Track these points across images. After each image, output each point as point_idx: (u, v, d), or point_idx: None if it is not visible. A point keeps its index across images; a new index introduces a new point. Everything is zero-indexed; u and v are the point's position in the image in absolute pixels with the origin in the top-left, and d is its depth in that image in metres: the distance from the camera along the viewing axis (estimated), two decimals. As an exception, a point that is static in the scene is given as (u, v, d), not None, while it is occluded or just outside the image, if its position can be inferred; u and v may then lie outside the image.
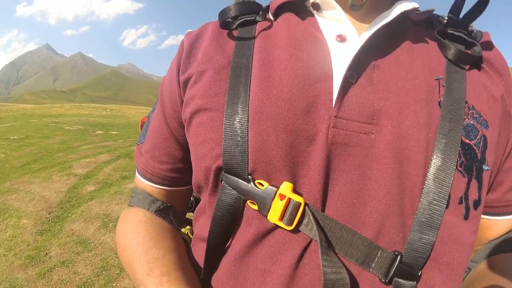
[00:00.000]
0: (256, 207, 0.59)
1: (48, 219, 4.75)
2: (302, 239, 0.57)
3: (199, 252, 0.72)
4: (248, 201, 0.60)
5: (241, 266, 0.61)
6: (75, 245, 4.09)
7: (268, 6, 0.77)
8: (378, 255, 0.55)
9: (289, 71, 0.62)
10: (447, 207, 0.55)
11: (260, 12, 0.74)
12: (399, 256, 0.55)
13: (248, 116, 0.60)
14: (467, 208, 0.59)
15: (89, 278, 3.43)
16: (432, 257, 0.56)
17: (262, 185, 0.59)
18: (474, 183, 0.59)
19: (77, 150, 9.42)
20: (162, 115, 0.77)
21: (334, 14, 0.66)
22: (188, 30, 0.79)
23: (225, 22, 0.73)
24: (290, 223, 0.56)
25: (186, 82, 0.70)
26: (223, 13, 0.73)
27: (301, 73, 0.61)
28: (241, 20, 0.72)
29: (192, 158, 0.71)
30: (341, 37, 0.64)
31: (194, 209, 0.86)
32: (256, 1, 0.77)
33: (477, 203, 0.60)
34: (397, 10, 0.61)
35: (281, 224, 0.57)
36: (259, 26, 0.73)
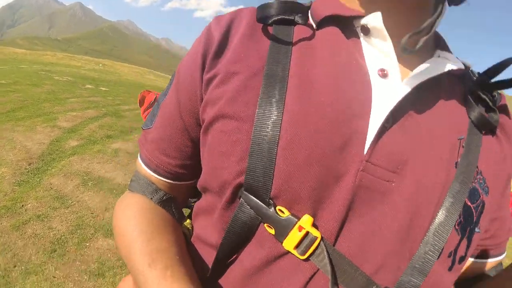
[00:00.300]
0: (273, 232, 0.60)
1: (27, 170, 4.71)
2: (311, 267, 0.59)
3: (201, 252, 0.73)
4: (265, 224, 0.61)
5: (249, 282, 0.62)
6: (52, 200, 4.08)
7: (308, 7, 0.72)
8: None
9: (330, 100, 0.60)
10: (438, 258, 0.59)
11: (300, 14, 0.70)
12: None
13: (278, 139, 0.58)
14: (453, 262, 0.63)
15: (63, 235, 3.44)
16: None
17: (283, 213, 0.59)
18: (464, 242, 0.63)
19: (65, 102, 9.26)
20: (176, 106, 0.73)
21: (382, 45, 0.63)
22: (217, 16, 0.73)
23: (262, 17, 0.68)
24: (303, 253, 0.58)
25: (211, 79, 0.67)
26: (263, 9, 0.68)
27: (341, 105, 0.59)
28: (279, 17, 0.68)
29: (207, 163, 0.68)
30: (384, 72, 0.63)
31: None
32: None
33: (462, 259, 0.65)
34: (444, 67, 0.62)
35: (294, 252, 0.59)
36: (297, 30, 0.69)
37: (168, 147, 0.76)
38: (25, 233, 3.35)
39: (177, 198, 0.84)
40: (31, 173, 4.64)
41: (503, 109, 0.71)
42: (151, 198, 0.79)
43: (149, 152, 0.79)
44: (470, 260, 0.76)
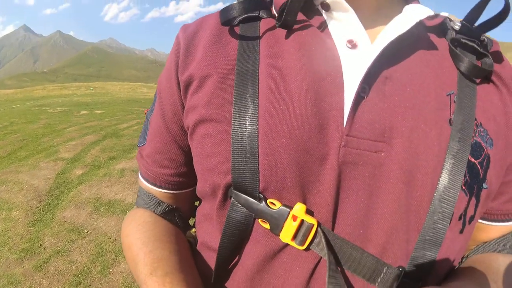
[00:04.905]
0: (267, 226, 0.60)
1: (39, 208, 4.71)
2: (313, 256, 0.59)
3: (206, 258, 0.73)
4: (259, 220, 0.60)
5: (253, 282, 0.63)
6: (68, 233, 4.08)
7: (271, 1, 0.72)
8: (384, 271, 0.57)
9: (300, 83, 0.59)
10: (449, 224, 0.57)
11: (263, 8, 0.70)
12: (402, 272, 0.57)
13: (257, 132, 0.58)
14: (464, 224, 0.61)
15: (86, 266, 3.44)
16: (432, 270, 0.59)
17: (274, 205, 0.59)
18: (473, 201, 0.60)
19: (63, 133, 9.30)
20: (161, 118, 0.75)
21: (345, 17, 0.62)
22: (184, 24, 0.75)
23: (227, 20, 0.68)
24: (302, 243, 0.58)
25: (187, 86, 0.67)
26: (226, 12, 0.69)
27: (312, 86, 0.59)
28: (244, 16, 0.68)
29: (197, 167, 0.70)
30: (352, 43, 0.62)
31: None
32: None
33: (472, 219, 0.62)
34: (412, 19, 0.59)
35: (293, 243, 0.58)
36: (263, 24, 0.69)
37: (161, 159, 0.77)
38: (48, 271, 3.36)
39: (180, 208, 0.85)
40: (42, 211, 4.65)
41: (497, 56, 0.67)
42: (154, 211, 0.80)
43: (145, 167, 0.81)
44: (486, 223, 0.73)
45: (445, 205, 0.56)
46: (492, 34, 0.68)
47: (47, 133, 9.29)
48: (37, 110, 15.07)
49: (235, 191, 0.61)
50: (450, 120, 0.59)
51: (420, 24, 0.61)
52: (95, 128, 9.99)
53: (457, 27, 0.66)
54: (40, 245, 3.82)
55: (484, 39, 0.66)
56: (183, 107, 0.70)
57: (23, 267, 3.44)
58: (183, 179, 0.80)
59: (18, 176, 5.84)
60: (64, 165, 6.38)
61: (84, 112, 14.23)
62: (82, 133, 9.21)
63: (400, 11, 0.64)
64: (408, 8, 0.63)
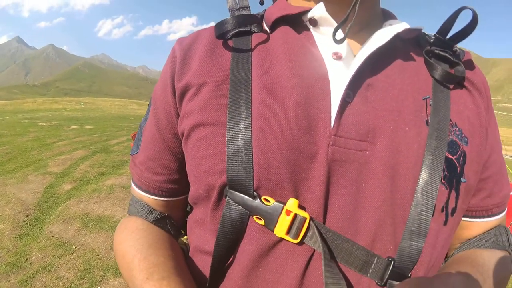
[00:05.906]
0: (262, 222, 0.62)
1: (26, 222, 4.67)
2: (306, 250, 0.61)
3: (199, 263, 0.74)
4: (254, 217, 0.62)
5: (249, 278, 0.63)
6: (56, 248, 4.04)
7: (262, 16, 0.79)
8: (375, 262, 0.60)
9: (291, 89, 0.64)
10: (432, 215, 0.61)
11: (255, 24, 0.75)
12: (392, 262, 0.60)
13: (251, 133, 0.62)
14: (447, 216, 0.65)
15: (73, 282, 3.41)
16: (420, 260, 0.62)
17: (269, 201, 0.61)
18: (453, 194, 0.66)
19: (52, 147, 9.27)
20: (155, 126, 0.78)
21: (331, 31, 0.66)
22: (180, 37, 0.79)
23: (221, 33, 0.73)
24: (296, 236, 0.60)
25: (183, 94, 0.71)
26: (220, 25, 0.73)
27: (301, 91, 0.63)
28: (237, 30, 0.73)
29: (191, 171, 0.71)
30: (337, 54, 0.67)
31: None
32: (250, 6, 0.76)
33: (454, 211, 0.66)
34: (390, 33, 0.65)
35: (287, 237, 0.60)
36: (254, 38, 0.74)
37: (154, 165, 0.79)
38: (34, 286, 3.31)
39: (172, 216, 0.86)
40: (30, 225, 4.59)
41: (469, 64, 0.74)
42: (146, 218, 0.81)
43: (138, 174, 0.83)
44: (468, 220, 0.78)
45: (427, 197, 0.60)
46: (475, 49, 0.73)
47: (36, 146, 9.23)
48: (27, 123, 14.99)
49: (231, 190, 0.63)
50: (427, 121, 0.65)
51: (398, 37, 0.66)
52: (85, 143, 9.97)
53: (431, 40, 0.73)
54: (27, 259, 3.77)
55: (456, 49, 0.73)
56: (178, 115, 0.72)
57: (9, 281, 3.39)
58: (176, 186, 0.82)
59: (5, 189, 5.79)
60: (53, 180, 6.34)
61: (74, 126, 14.18)
62: (72, 147, 9.18)
63: (381, 26, 0.71)
64: (387, 23, 0.71)
